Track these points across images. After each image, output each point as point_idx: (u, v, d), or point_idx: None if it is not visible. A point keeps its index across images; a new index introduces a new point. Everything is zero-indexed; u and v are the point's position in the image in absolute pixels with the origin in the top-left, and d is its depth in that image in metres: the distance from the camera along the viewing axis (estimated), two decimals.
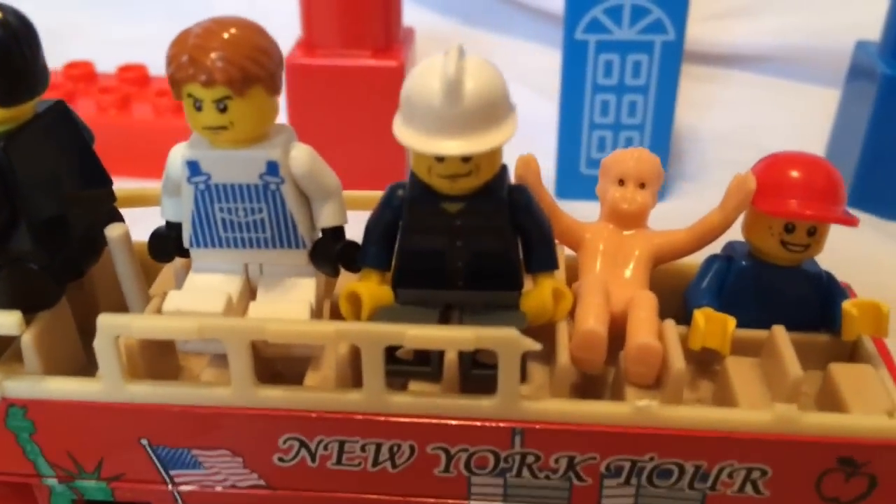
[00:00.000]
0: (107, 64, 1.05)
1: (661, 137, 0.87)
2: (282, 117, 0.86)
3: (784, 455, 0.43)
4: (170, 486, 0.49)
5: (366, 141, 0.87)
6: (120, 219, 0.53)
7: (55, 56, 1.09)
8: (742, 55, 1.09)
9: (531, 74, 1.09)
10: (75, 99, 0.99)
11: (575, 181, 0.90)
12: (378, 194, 0.48)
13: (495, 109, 0.42)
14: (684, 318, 0.50)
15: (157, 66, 0.86)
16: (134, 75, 1.01)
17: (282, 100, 0.87)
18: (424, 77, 0.42)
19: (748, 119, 1.03)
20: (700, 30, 0.87)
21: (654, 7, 0.80)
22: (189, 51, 0.43)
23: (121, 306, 0.52)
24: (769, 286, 0.50)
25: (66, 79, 1.02)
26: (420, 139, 0.42)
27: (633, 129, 0.87)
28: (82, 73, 1.03)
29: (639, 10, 0.80)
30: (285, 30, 0.93)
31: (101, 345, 0.44)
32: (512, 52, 1.17)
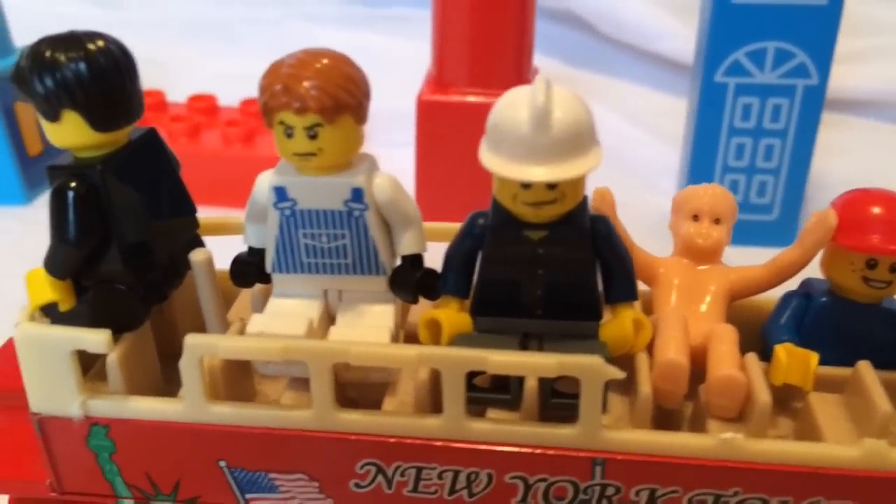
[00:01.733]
0: (230, 97, 1.07)
1: (797, 182, 0.86)
2: (410, 153, 0.88)
3: (873, 492, 0.42)
4: None
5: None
6: (202, 245, 0.54)
7: (179, 89, 1.11)
8: (868, 101, 1.08)
9: (648, 118, 1.09)
10: (200, 132, 1.02)
11: None
12: (456, 226, 0.48)
13: (581, 139, 0.42)
14: (762, 356, 0.49)
15: None
16: (256, 109, 1.02)
17: (411, 135, 0.88)
18: (513, 105, 0.42)
19: (878, 166, 1.01)
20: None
21: (799, 51, 0.80)
22: (283, 80, 0.44)
23: (199, 331, 0.53)
24: (849, 324, 0.50)
25: (190, 111, 1.05)
26: (507, 166, 0.42)
27: (768, 173, 0.87)
28: (206, 106, 1.05)
29: (783, 53, 0.81)
30: (413, 66, 0.94)
31: (186, 364, 0.45)
32: (629, 97, 1.18)
